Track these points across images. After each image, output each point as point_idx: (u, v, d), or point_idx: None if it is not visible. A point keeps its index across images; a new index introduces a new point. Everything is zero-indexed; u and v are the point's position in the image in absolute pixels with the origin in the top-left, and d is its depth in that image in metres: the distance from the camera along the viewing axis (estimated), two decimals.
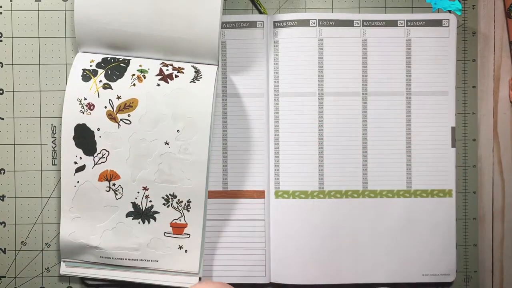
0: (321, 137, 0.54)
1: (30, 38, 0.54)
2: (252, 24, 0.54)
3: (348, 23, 0.53)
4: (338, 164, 0.54)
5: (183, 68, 0.51)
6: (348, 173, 0.54)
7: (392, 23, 0.53)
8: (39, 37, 0.54)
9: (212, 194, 0.54)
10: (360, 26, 0.53)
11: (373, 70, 0.54)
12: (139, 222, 0.51)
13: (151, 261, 0.52)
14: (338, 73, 0.54)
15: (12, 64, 0.54)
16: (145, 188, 0.50)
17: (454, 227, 0.54)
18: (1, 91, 0.54)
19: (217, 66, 0.52)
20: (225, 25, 0.54)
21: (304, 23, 0.53)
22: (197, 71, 0.50)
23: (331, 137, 0.54)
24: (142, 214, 0.51)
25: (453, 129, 0.54)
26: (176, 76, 0.50)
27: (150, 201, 0.51)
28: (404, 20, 0.53)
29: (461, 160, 0.54)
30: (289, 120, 0.53)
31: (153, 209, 0.51)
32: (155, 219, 0.51)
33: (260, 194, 0.54)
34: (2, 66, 0.54)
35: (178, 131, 0.49)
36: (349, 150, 0.54)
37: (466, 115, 0.55)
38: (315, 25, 0.53)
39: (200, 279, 0.52)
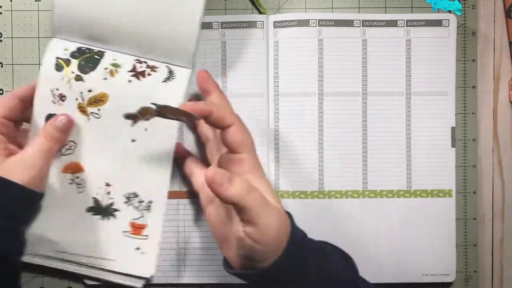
0: (321, 137, 0.54)
1: (30, 38, 0.54)
2: (252, 24, 0.54)
3: (348, 23, 0.53)
4: (338, 164, 0.54)
5: (156, 67, 0.50)
6: (348, 173, 0.54)
7: (392, 23, 0.53)
8: (39, 37, 0.54)
9: None
10: (360, 26, 0.53)
11: (373, 70, 0.54)
12: (98, 219, 0.50)
13: (108, 259, 0.51)
14: (338, 73, 0.54)
15: (12, 64, 0.54)
16: (107, 184, 0.50)
17: (454, 227, 0.54)
18: (1, 91, 0.54)
19: (191, 70, 0.51)
20: (225, 25, 0.54)
21: (304, 23, 0.53)
22: (170, 72, 0.50)
23: (331, 137, 0.54)
24: (103, 210, 0.50)
25: (453, 129, 0.54)
26: (149, 74, 0.50)
27: (112, 198, 0.50)
28: (404, 20, 0.53)
29: (461, 160, 0.54)
30: (289, 120, 0.53)
31: (113, 207, 0.50)
32: (115, 216, 0.50)
33: None
34: (2, 66, 0.54)
35: (145, 129, 0.49)
36: (349, 150, 0.54)
37: (466, 115, 0.55)
38: (315, 25, 0.53)
39: (147, 280, 0.52)
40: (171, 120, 0.47)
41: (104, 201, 0.50)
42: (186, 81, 0.50)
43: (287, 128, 0.53)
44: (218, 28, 0.54)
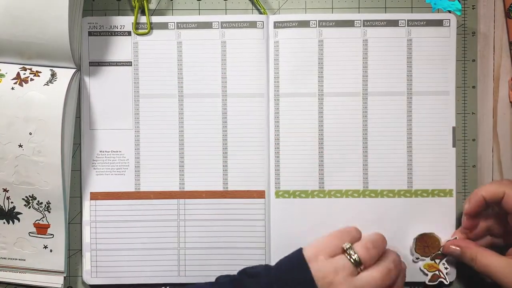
0: (321, 137, 0.54)
1: None
2: (252, 24, 0.54)
3: (349, 23, 0.53)
4: (338, 164, 0.54)
5: (40, 72, 0.51)
6: (349, 173, 0.54)
7: (393, 23, 0.53)
8: None
9: (212, 194, 0.54)
10: (360, 26, 0.53)
11: (373, 70, 0.54)
12: (4, 222, 0.53)
13: (19, 259, 0.53)
14: (339, 74, 0.54)
15: None
16: (5, 190, 0.52)
17: (455, 227, 0.54)
18: None
19: (75, 70, 0.52)
20: (225, 25, 0.54)
21: (304, 24, 0.53)
22: (53, 74, 0.51)
23: (331, 137, 0.54)
24: (6, 214, 0.52)
25: (453, 129, 0.54)
26: (32, 80, 0.51)
27: (12, 202, 0.52)
28: (405, 20, 0.53)
29: (461, 160, 0.55)
30: (289, 120, 0.53)
31: (15, 210, 0.52)
32: (18, 219, 0.53)
33: (260, 194, 0.54)
34: None
35: (30, 133, 0.50)
36: (349, 149, 0.54)
37: (466, 115, 0.55)
38: (315, 26, 0.53)
39: (64, 278, 0.54)
40: (54, 121, 0.49)
41: (6, 206, 0.52)
42: (67, 82, 0.51)
43: (287, 128, 0.53)
44: (218, 28, 0.54)
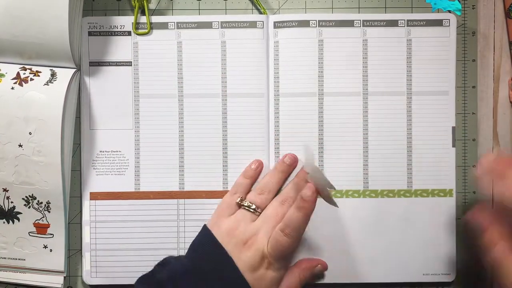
0: (321, 137, 0.54)
1: None
2: (252, 24, 0.54)
3: (348, 23, 0.53)
4: (338, 164, 0.54)
5: (40, 72, 0.51)
6: (349, 173, 0.54)
7: (393, 23, 0.54)
8: None
9: (212, 194, 0.54)
10: (360, 26, 0.53)
11: (373, 70, 0.54)
12: (4, 222, 0.53)
13: (19, 259, 0.53)
14: (338, 73, 0.54)
15: None
16: (5, 190, 0.52)
17: (455, 227, 0.54)
18: None
19: (75, 69, 0.52)
20: (225, 25, 0.54)
21: (304, 23, 0.53)
22: (52, 74, 0.51)
23: (331, 137, 0.54)
24: (6, 214, 0.52)
25: (453, 128, 0.54)
26: (31, 80, 0.51)
27: (12, 202, 0.52)
28: (404, 20, 0.53)
29: (461, 160, 0.55)
30: (289, 120, 0.53)
31: (15, 210, 0.52)
32: (18, 219, 0.53)
33: None
34: None
35: (30, 133, 0.50)
36: (349, 150, 0.54)
37: (466, 115, 0.55)
38: (315, 25, 0.53)
39: (64, 278, 0.54)
40: (54, 121, 0.49)
41: (6, 206, 0.52)
42: (67, 82, 0.51)
43: (287, 128, 0.53)
44: (218, 28, 0.54)
